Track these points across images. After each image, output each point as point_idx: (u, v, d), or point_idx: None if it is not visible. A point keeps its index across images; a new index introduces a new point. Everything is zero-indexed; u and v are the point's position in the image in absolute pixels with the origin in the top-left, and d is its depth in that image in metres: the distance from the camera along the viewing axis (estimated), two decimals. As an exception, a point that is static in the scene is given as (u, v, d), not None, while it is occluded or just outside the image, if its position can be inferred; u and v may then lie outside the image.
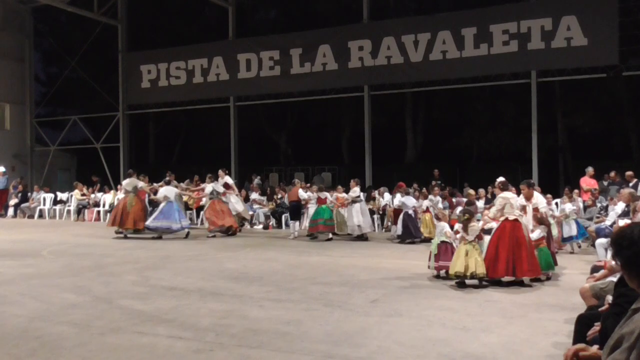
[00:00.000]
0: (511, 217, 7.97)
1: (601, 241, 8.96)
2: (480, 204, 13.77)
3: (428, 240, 13.10)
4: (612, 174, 15.01)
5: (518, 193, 9.28)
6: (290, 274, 8.93)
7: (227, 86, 21.75)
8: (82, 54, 24.70)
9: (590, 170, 15.08)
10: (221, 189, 14.93)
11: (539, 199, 8.88)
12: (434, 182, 16.45)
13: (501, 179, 8.71)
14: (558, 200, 15.05)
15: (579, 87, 21.82)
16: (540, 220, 8.58)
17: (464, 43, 17.74)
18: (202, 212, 15.76)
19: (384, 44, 18.85)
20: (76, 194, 20.01)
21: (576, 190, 14.52)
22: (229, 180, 15.60)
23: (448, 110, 26.18)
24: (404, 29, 18.75)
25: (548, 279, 8.30)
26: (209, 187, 14.85)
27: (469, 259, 7.69)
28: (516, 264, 7.75)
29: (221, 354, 4.88)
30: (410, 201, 13.48)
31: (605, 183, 15.01)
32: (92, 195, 20.15)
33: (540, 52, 16.83)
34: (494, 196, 11.81)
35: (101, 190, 20.69)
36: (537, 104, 17.39)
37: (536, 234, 8.38)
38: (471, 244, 7.85)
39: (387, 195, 16.43)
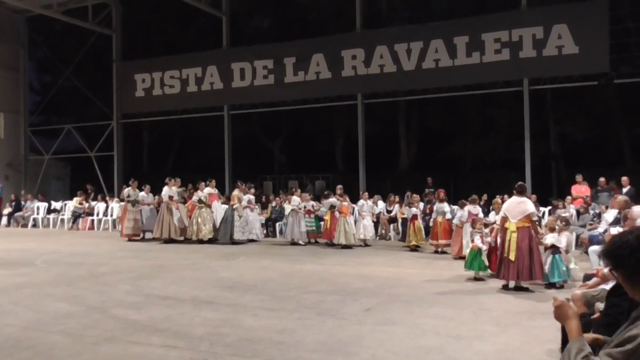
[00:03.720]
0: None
1: (594, 248, 8.98)
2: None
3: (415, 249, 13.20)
4: (601, 180, 15.03)
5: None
6: (284, 282, 8.94)
7: (221, 95, 21.79)
8: (76, 63, 24.73)
9: (577, 177, 15.22)
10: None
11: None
12: (427, 190, 16.48)
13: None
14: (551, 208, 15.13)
15: (571, 94, 21.95)
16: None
17: (456, 51, 17.87)
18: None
19: (377, 52, 18.96)
20: (75, 201, 20.00)
21: (568, 198, 14.58)
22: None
23: (441, 118, 26.25)
24: (396, 37, 18.87)
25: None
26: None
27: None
28: None
29: (215, 364, 4.89)
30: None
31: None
32: (86, 204, 20.13)
33: (532, 60, 16.98)
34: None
35: (95, 199, 20.65)
36: (530, 112, 17.50)
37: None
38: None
39: (380, 203, 16.45)
